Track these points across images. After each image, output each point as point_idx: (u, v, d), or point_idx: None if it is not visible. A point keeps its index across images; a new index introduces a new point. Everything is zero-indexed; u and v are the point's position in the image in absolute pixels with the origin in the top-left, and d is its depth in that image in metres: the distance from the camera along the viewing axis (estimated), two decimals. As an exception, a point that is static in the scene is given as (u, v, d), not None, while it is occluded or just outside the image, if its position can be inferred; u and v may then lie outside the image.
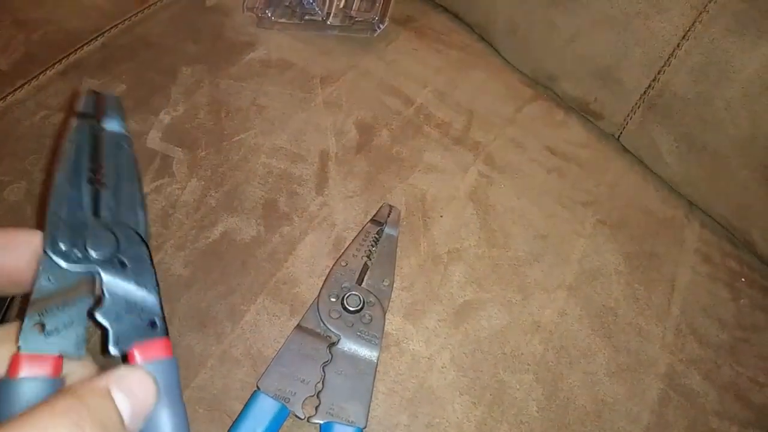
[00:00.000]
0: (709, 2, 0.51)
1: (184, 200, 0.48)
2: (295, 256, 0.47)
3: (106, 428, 0.22)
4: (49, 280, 0.28)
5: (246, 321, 0.43)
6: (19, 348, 0.26)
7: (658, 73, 0.54)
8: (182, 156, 0.51)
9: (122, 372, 0.25)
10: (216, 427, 0.38)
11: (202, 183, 0.49)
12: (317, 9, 0.61)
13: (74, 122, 0.31)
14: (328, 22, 0.62)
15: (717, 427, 0.44)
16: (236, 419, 0.38)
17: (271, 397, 0.39)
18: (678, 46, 0.52)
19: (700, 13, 0.51)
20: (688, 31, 0.52)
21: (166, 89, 0.56)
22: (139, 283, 0.29)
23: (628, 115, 0.58)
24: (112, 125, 0.33)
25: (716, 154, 0.53)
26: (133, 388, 0.25)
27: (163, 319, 0.29)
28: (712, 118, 0.52)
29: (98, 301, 0.28)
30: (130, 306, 0.29)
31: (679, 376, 0.46)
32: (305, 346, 0.41)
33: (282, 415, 0.39)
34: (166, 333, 0.29)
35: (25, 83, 0.54)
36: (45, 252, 0.28)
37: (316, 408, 0.39)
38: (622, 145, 0.60)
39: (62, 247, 0.28)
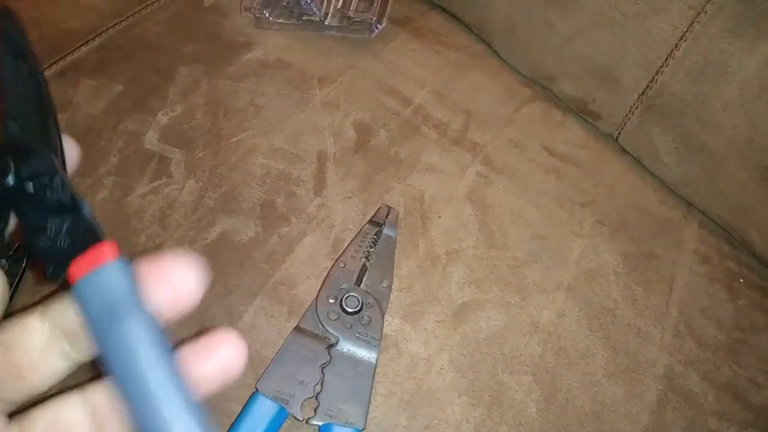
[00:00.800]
0: (707, 3, 0.51)
1: (181, 201, 0.48)
2: (293, 257, 0.47)
3: None
4: None
5: (244, 322, 0.43)
6: None
7: (656, 74, 0.54)
8: (180, 157, 0.51)
9: None
10: (214, 429, 0.38)
11: (200, 184, 0.49)
12: (315, 9, 0.61)
13: None
14: (326, 23, 0.62)
15: (716, 428, 0.44)
16: (234, 421, 0.38)
17: (270, 399, 0.38)
18: (676, 46, 0.52)
19: (698, 14, 0.51)
20: (686, 31, 0.52)
21: (164, 90, 0.55)
22: (51, 196, 0.25)
23: (626, 116, 0.58)
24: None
25: (714, 155, 0.53)
26: None
27: (93, 220, 0.25)
28: (710, 119, 0.52)
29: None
30: (53, 224, 0.25)
31: (677, 377, 0.46)
32: (304, 347, 0.41)
33: (281, 416, 0.38)
34: (101, 235, 0.25)
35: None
36: None
37: (315, 409, 0.39)
38: (621, 146, 0.60)
39: None
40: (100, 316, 0.23)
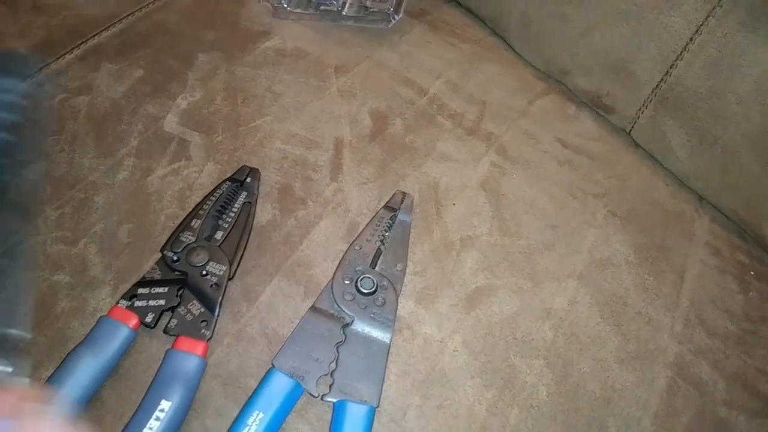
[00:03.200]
0: (723, -3, 0.51)
1: (200, 183, 0.49)
2: (309, 240, 0.47)
3: None
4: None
5: (261, 301, 0.44)
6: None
7: (671, 67, 0.54)
8: (199, 140, 0.52)
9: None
10: (231, 403, 0.39)
11: (219, 167, 0.50)
12: (333, -1, 0.62)
13: None
14: (344, 13, 0.63)
15: (725, 416, 0.44)
16: (251, 395, 0.38)
17: (286, 375, 0.39)
18: (691, 40, 0.53)
19: (714, 8, 0.51)
20: (702, 25, 0.52)
21: (183, 75, 0.56)
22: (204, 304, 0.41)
23: (639, 109, 0.58)
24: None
25: (727, 149, 0.53)
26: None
27: (213, 327, 0.40)
28: (724, 113, 0.52)
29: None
30: (194, 305, 0.41)
31: (687, 365, 0.46)
32: (319, 326, 0.42)
33: (296, 392, 0.39)
34: (209, 338, 0.40)
35: (44, 66, 0.55)
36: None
37: (330, 386, 0.40)
38: (633, 139, 0.61)
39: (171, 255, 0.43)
40: (166, 374, 0.38)
